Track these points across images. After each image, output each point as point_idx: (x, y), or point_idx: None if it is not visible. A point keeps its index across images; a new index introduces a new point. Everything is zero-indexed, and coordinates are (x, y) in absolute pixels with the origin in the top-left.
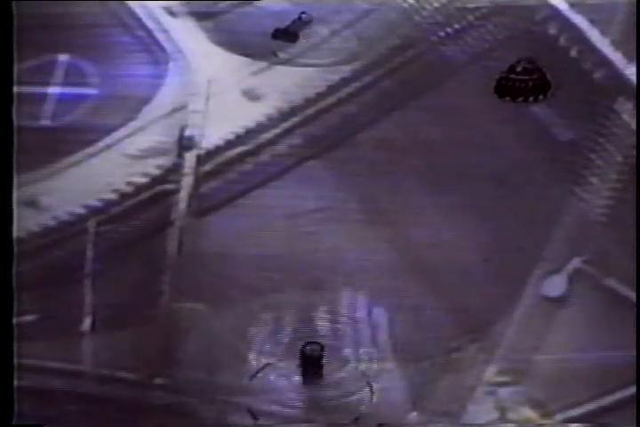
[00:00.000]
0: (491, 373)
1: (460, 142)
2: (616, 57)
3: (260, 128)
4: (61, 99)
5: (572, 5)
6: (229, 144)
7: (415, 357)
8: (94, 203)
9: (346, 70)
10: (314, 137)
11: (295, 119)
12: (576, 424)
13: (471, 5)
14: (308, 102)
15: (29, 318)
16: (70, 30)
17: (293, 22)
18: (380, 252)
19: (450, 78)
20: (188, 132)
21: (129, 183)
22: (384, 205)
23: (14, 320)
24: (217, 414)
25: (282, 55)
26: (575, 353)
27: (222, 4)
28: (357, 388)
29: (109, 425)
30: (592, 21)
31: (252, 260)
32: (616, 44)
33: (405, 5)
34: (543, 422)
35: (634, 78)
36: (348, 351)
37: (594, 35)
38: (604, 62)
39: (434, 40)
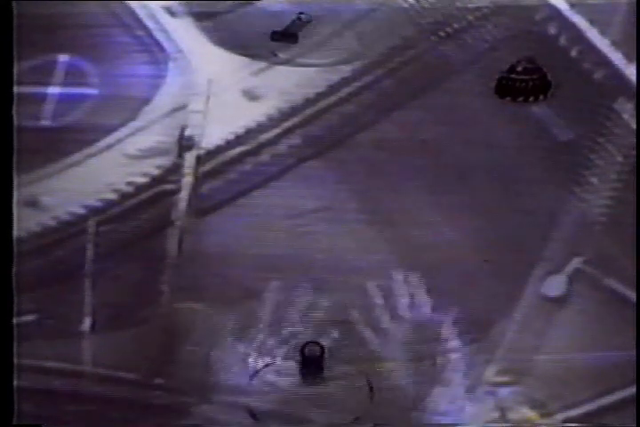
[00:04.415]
0: (491, 373)
1: (460, 142)
2: (616, 57)
3: (260, 128)
4: (61, 99)
5: (572, 5)
6: (229, 144)
7: (415, 357)
8: (94, 203)
9: (346, 70)
10: (314, 137)
11: (295, 119)
12: (576, 424)
13: (471, 5)
14: (308, 102)
15: (29, 318)
16: (70, 30)
17: (292, 23)
18: (380, 252)
19: (450, 78)
20: (188, 132)
21: (129, 183)
22: (384, 205)
23: (14, 320)
24: (217, 414)
25: (282, 55)
26: (575, 353)
27: (222, 4)
28: (357, 388)
29: (109, 425)
30: (592, 21)
31: (251, 260)
32: (616, 44)
33: (405, 5)
34: (543, 422)
35: (634, 78)
36: (348, 351)
37: (594, 35)
38: (604, 62)
39: (434, 40)
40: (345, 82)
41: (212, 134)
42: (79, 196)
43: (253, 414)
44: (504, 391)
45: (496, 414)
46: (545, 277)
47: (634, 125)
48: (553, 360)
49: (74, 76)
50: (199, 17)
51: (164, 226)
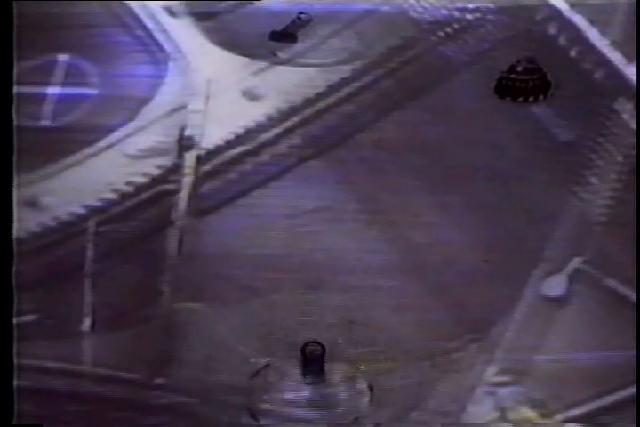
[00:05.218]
0: (491, 373)
1: (460, 142)
2: (616, 57)
3: (260, 128)
4: (61, 99)
5: (572, 5)
6: (229, 144)
7: (415, 357)
8: (94, 203)
9: (346, 70)
10: (314, 137)
11: (295, 119)
12: (576, 424)
13: (471, 5)
14: (308, 102)
15: (29, 318)
16: (70, 30)
17: (292, 23)
18: (380, 252)
19: (450, 78)
20: (187, 132)
21: (129, 183)
22: (384, 205)
23: (14, 320)
24: (217, 414)
25: (282, 55)
26: (575, 353)
27: (222, 4)
28: (357, 388)
29: (109, 425)
30: (592, 21)
31: (252, 260)
32: (616, 44)
33: (405, 5)
34: (543, 422)
35: (634, 78)
36: (348, 351)
37: (594, 35)
38: (604, 62)
39: (434, 40)
40: (345, 82)
41: (212, 134)
42: (79, 196)
43: (253, 415)
44: (504, 391)
45: (496, 414)
46: (545, 278)
47: (634, 125)
48: (553, 360)
49: (74, 76)
50: (199, 17)
51: (164, 226)
